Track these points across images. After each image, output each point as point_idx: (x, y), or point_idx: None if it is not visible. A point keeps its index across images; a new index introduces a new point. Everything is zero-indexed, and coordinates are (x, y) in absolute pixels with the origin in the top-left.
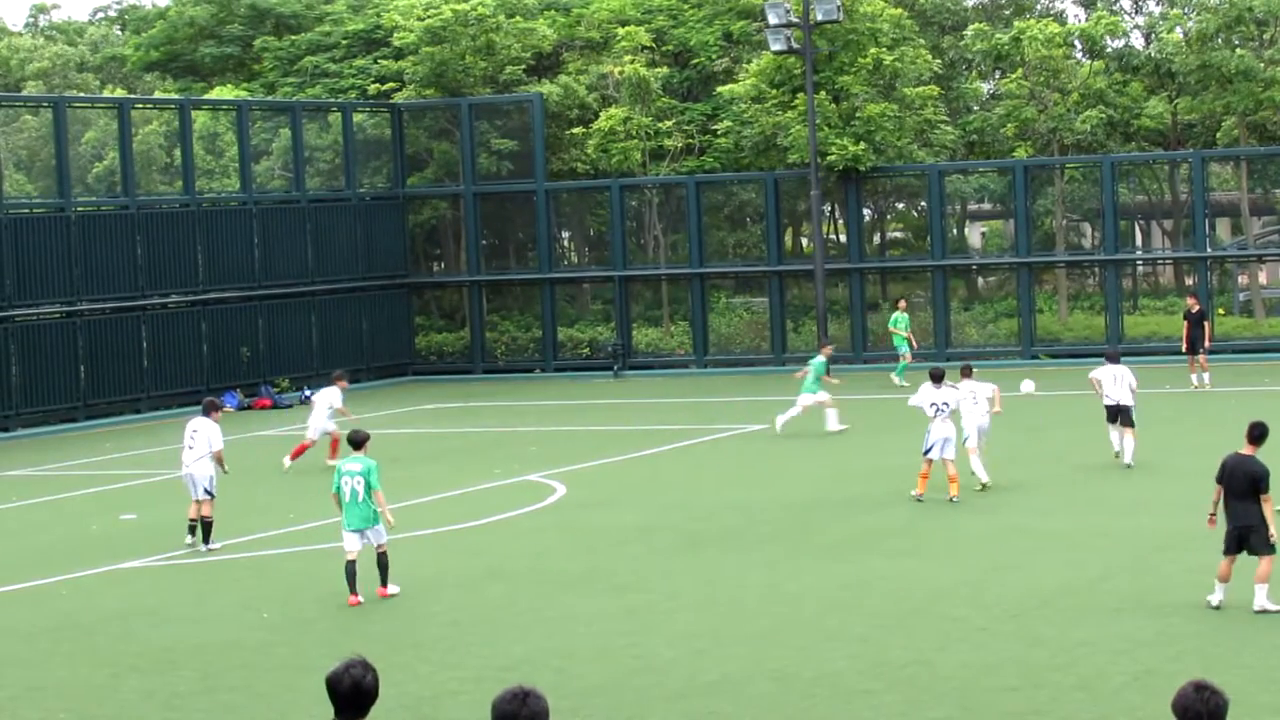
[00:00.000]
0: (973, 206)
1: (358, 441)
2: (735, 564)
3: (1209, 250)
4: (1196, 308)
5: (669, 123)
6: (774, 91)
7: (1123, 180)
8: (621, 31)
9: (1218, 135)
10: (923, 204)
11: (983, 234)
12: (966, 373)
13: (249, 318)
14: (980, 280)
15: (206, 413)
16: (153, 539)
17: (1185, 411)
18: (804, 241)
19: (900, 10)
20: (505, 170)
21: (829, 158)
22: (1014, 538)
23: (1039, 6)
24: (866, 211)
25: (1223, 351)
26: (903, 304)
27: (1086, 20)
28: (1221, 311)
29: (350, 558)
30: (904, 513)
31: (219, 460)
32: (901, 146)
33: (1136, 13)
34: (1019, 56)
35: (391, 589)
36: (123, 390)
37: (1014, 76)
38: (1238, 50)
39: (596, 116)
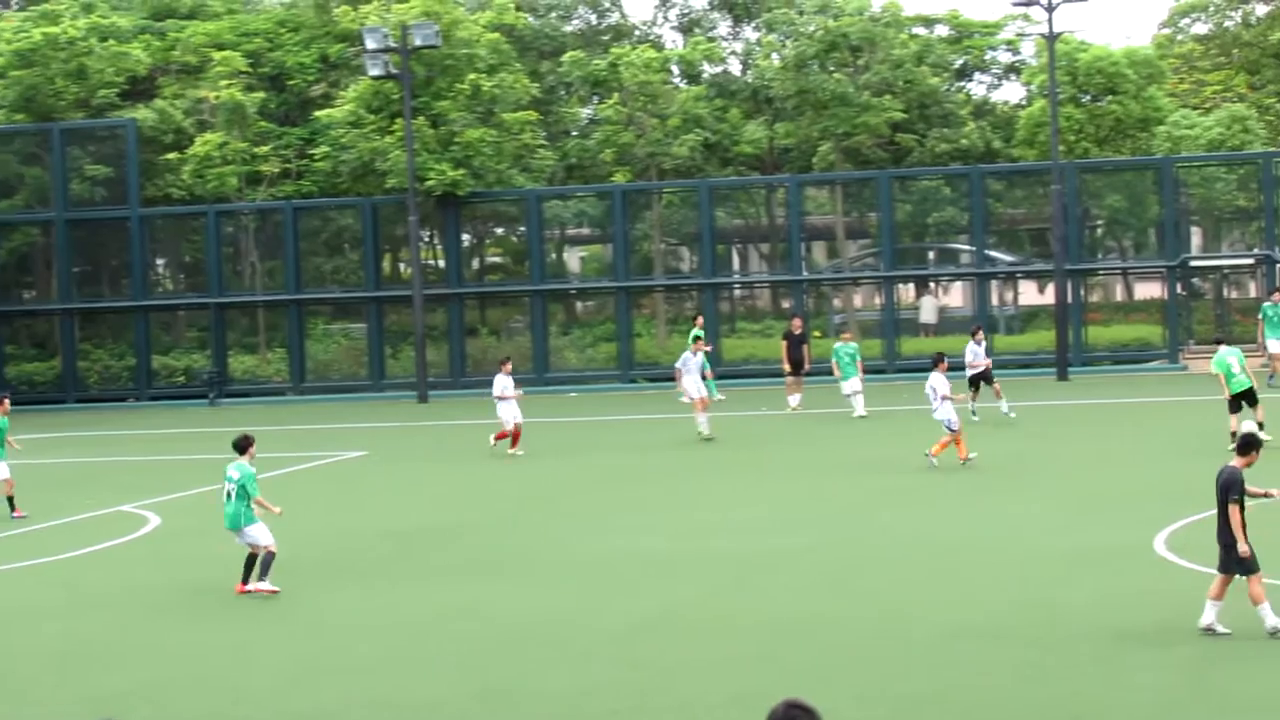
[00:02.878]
0: (571, 231)
1: (241, 447)
2: (336, 592)
3: (805, 273)
4: (800, 329)
5: (266, 148)
6: (372, 116)
7: (720, 204)
8: (218, 56)
9: (814, 160)
10: (522, 229)
11: (581, 258)
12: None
13: None
14: (579, 304)
15: None
16: None
17: (782, 432)
18: (403, 267)
19: (497, 35)
20: (99, 196)
21: (428, 183)
22: (616, 561)
23: (637, 32)
24: (466, 237)
25: (819, 374)
26: (699, 320)
27: (684, 46)
28: (818, 334)
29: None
30: (508, 538)
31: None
32: (500, 171)
33: (734, 39)
34: (617, 82)
35: (255, 586)
36: None
37: (612, 101)
38: (834, 75)
39: (192, 141)
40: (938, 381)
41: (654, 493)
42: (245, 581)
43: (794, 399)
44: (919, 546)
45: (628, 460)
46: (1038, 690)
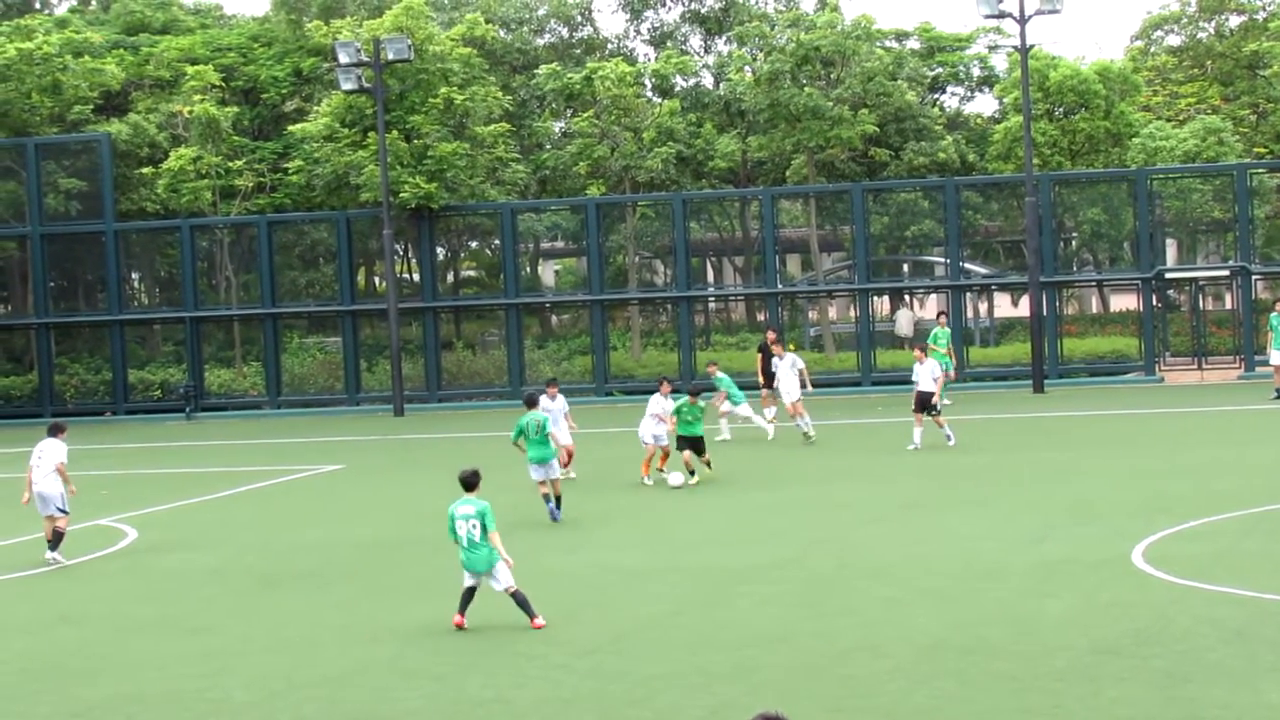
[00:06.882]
0: (546, 244)
1: (471, 483)
2: (311, 605)
3: (780, 286)
4: (774, 342)
5: (240, 162)
6: (346, 130)
7: (694, 217)
8: (191, 70)
9: (787, 173)
10: (496, 242)
11: (556, 271)
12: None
13: None
14: (554, 318)
15: (53, 434)
16: None
17: (758, 445)
18: (377, 280)
19: (469, 50)
20: (74, 210)
21: (401, 196)
22: (589, 574)
23: (609, 46)
24: (440, 250)
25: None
26: (943, 319)
27: (656, 60)
28: (793, 347)
29: (470, 584)
30: None
31: (61, 473)
32: (474, 185)
33: (706, 52)
34: (591, 95)
35: (540, 620)
36: None
37: (586, 115)
38: (806, 89)
39: (166, 156)
40: None
41: (627, 506)
42: (533, 617)
43: (768, 411)
44: (895, 560)
45: (600, 474)
46: (1016, 702)
